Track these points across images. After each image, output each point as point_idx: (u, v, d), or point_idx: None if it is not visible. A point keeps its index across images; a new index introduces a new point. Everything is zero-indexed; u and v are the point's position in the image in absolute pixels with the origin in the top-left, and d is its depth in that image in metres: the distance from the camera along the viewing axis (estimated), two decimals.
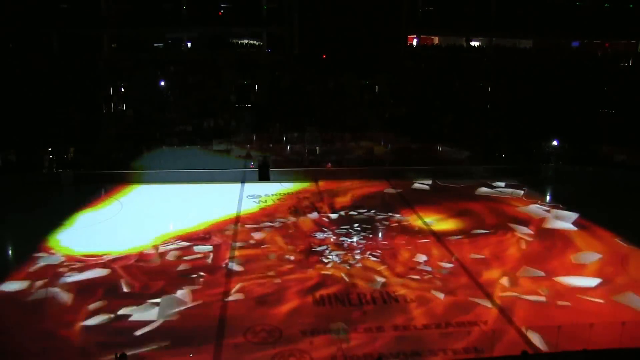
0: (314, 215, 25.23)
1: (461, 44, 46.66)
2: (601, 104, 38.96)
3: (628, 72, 43.49)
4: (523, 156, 33.73)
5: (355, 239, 22.11)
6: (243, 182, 30.61)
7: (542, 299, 16.92)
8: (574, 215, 25.13)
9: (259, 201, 27.42)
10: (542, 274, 18.77)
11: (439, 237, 22.44)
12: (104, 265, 19.21)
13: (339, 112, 37.74)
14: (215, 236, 22.32)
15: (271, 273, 18.66)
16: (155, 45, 44.56)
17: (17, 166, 30.23)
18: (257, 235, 22.51)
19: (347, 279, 18.23)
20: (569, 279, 18.38)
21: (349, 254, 20.43)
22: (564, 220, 24.65)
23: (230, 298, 16.94)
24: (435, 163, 33.41)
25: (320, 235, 22.45)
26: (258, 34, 44.61)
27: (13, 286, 17.60)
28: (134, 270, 18.85)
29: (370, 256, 20.26)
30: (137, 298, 16.68)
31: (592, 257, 20.47)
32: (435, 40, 47.92)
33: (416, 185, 30.82)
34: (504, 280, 18.23)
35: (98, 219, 24.41)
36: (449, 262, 19.81)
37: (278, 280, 18.11)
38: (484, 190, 29.85)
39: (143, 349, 13.79)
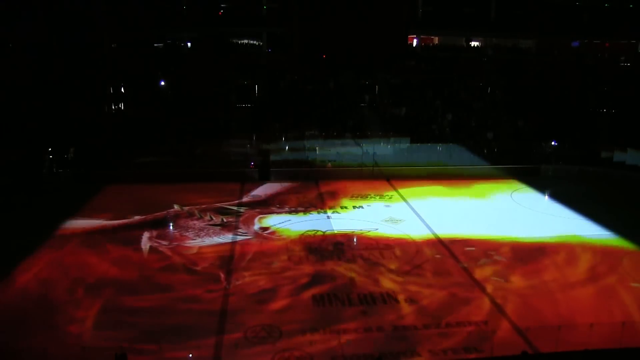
0: None
1: (461, 44, 46.67)
2: (601, 104, 38.98)
3: (628, 72, 43.54)
4: (523, 156, 33.71)
5: None
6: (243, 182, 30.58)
7: None
8: None
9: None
10: None
11: None
12: None
13: (339, 112, 37.73)
14: None
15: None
16: (155, 45, 44.55)
17: (16, 166, 30.22)
18: None
19: None
20: None
21: None
22: None
23: (231, 295, 16.93)
24: None
25: None
26: (258, 34, 44.64)
27: None
28: None
29: None
30: None
31: None
32: (435, 40, 47.97)
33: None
34: None
35: None
36: None
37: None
38: None
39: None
